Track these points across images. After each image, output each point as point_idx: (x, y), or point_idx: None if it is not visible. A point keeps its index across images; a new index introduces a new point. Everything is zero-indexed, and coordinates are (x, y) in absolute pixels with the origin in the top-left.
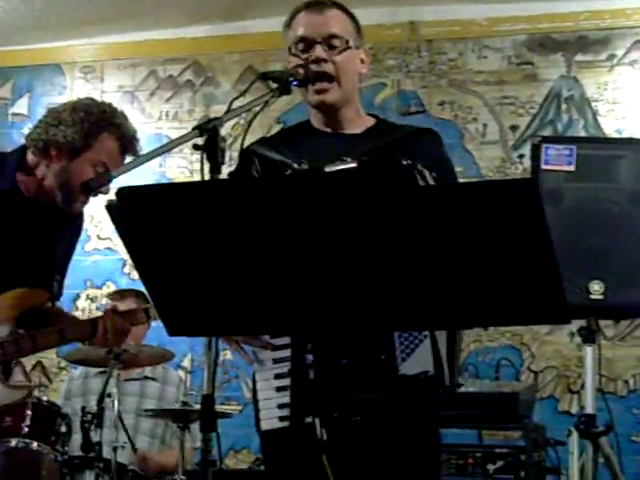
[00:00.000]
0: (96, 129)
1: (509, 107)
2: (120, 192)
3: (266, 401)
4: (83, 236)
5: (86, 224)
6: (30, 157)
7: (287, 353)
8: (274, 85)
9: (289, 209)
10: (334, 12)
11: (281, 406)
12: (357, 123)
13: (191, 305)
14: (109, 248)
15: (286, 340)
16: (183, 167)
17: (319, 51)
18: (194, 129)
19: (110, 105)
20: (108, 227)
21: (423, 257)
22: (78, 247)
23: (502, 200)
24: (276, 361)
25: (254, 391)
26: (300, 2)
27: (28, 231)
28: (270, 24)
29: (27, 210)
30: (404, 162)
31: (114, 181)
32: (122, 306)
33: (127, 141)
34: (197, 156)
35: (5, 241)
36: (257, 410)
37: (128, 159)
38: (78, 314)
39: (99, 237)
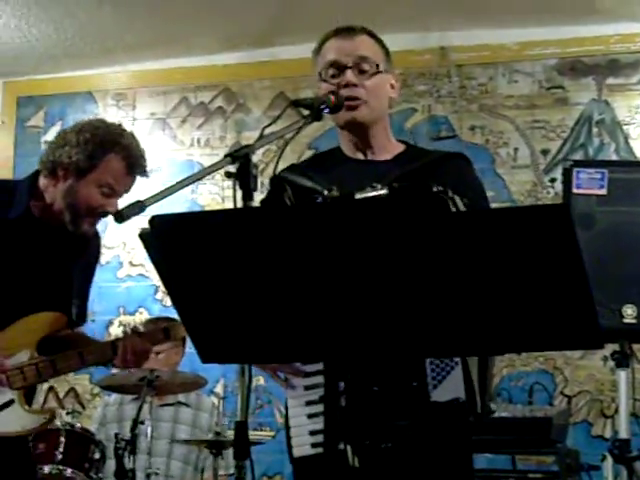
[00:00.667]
0: (101, 150)
1: (540, 131)
2: (153, 220)
3: (298, 428)
4: (115, 263)
5: (119, 250)
6: (41, 181)
7: (318, 380)
8: (305, 112)
9: (321, 236)
10: (363, 37)
11: (313, 433)
12: (387, 149)
13: (224, 332)
14: (142, 274)
15: (317, 367)
16: (215, 194)
17: (350, 76)
18: (226, 157)
19: (119, 126)
20: (140, 254)
21: (456, 283)
22: (110, 274)
23: (534, 226)
24: (307, 388)
25: (286, 417)
26: (329, 29)
27: (43, 256)
28: (300, 50)
29: (41, 235)
30: (435, 188)
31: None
32: None
33: (134, 161)
34: (229, 183)
35: (21, 267)
36: (289, 437)
37: (136, 179)
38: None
39: (131, 264)
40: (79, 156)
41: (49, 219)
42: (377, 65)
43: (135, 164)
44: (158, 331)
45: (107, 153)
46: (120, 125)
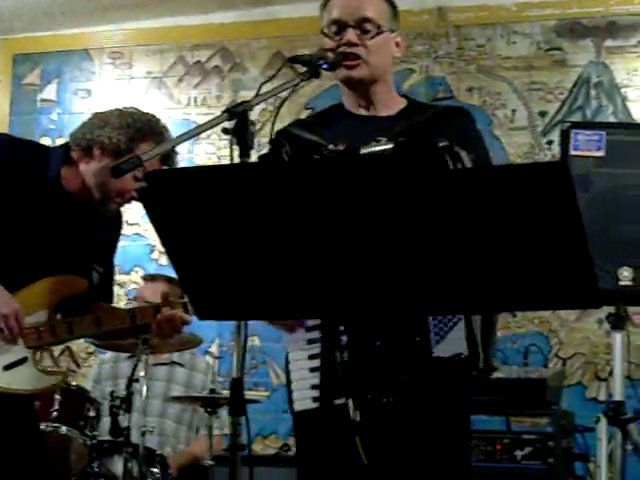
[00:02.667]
0: (141, 135)
1: (538, 93)
2: (150, 176)
3: (300, 382)
4: None
5: None
6: (74, 154)
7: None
8: (303, 69)
9: (324, 191)
10: None
11: (315, 387)
12: (390, 104)
13: (221, 289)
14: (137, 234)
15: (319, 321)
16: (211, 153)
17: (351, 35)
18: (224, 112)
19: (154, 116)
20: (136, 213)
21: (455, 240)
22: None
23: (533, 183)
24: (310, 342)
25: (287, 371)
26: None
27: (69, 222)
28: (298, 10)
29: (68, 203)
30: (441, 143)
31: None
32: (153, 289)
33: (168, 152)
34: (225, 142)
35: (47, 227)
36: (290, 391)
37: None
38: None
39: (127, 223)
40: (120, 137)
41: (77, 191)
42: (379, 26)
43: (169, 155)
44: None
45: (146, 140)
46: (155, 116)
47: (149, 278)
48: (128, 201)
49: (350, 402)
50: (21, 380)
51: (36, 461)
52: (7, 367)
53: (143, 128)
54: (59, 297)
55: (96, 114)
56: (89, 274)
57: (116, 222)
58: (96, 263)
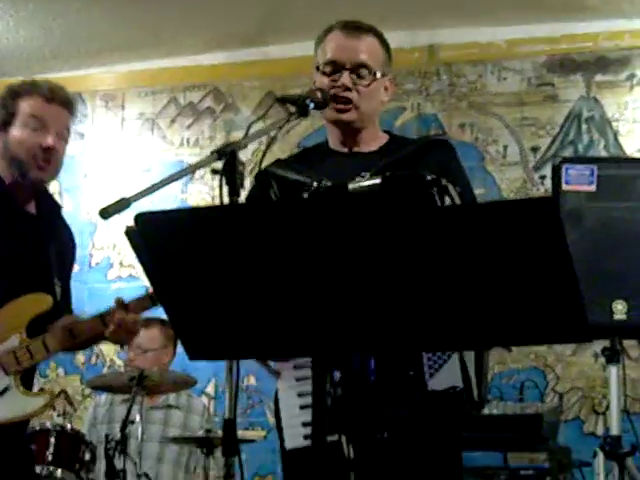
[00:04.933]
0: (12, 97)
1: (529, 128)
2: (138, 217)
3: (290, 419)
4: (105, 264)
5: (109, 252)
6: None
7: (310, 371)
8: (292, 108)
9: (312, 229)
10: (369, 39)
11: (306, 424)
12: (373, 141)
13: (211, 329)
14: (132, 275)
15: (308, 359)
16: (205, 193)
17: (346, 79)
18: (212, 153)
19: (25, 79)
20: (130, 254)
21: (446, 276)
22: (100, 275)
23: (522, 218)
24: (299, 379)
25: (277, 409)
26: (319, 28)
27: (17, 239)
28: (289, 50)
29: (11, 218)
30: (428, 177)
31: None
32: (147, 334)
33: (46, 91)
34: (218, 182)
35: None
36: (280, 429)
37: (64, 110)
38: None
39: (122, 264)
40: None
41: (15, 198)
42: (375, 73)
43: (48, 93)
44: (144, 299)
45: (20, 96)
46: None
47: (143, 324)
48: (44, 159)
49: (344, 438)
50: (9, 408)
51: None
52: None
53: (12, 92)
54: (29, 317)
55: None
56: (52, 289)
57: (66, 234)
58: (56, 277)
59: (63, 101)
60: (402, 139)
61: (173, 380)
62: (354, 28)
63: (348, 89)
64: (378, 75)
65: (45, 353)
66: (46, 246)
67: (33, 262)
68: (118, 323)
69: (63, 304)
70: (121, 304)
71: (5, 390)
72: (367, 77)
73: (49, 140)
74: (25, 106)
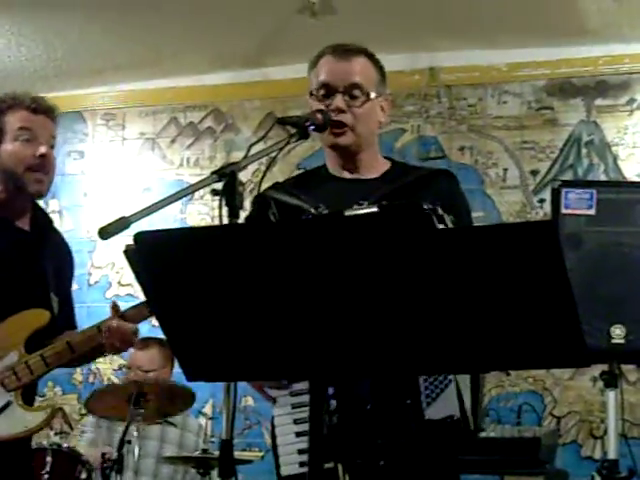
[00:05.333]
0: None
1: (529, 152)
2: (137, 236)
3: (286, 446)
4: (104, 283)
5: (107, 270)
6: None
7: (307, 398)
8: (292, 130)
9: (309, 253)
10: (360, 61)
11: (301, 451)
12: (374, 167)
13: (209, 350)
14: (130, 294)
15: (305, 385)
16: (204, 214)
17: (339, 101)
18: (212, 174)
19: (5, 93)
20: (129, 274)
21: (443, 300)
22: (99, 294)
23: (520, 242)
24: (295, 406)
25: (273, 436)
26: (320, 49)
27: (12, 256)
28: (290, 71)
29: (5, 235)
30: (425, 206)
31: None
32: (146, 355)
33: (29, 103)
34: (218, 202)
35: None
36: (276, 455)
37: (50, 119)
38: (101, 360)
39: (120, 284)
40: None
41: (6, 215)
42: (368, 93)
43: (32, 104)
44: (142, 307)
45: (5, 111)
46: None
47: (141, 345)
48: (40, 170)
49: (340, 466)
50: (11, 424)
51: None
52: None
53: None
54: (26, 334)
55: None
56: (48, 304)
57: (62, 248)
58: (52, 292)
59: (47, 110)
60: (404, 166)
61: (170, 389)
62: (344, 51)
63: (342, 111)
64: (372, 95)
65: (45, 368)
66: (42, 261)
67: (29, 278)
68: (111, 329)
69: (63, 318)
70: (116, 309)
71: (6, 406)
72: (360, 97)
73: (42, 149)
74: (12, 120)
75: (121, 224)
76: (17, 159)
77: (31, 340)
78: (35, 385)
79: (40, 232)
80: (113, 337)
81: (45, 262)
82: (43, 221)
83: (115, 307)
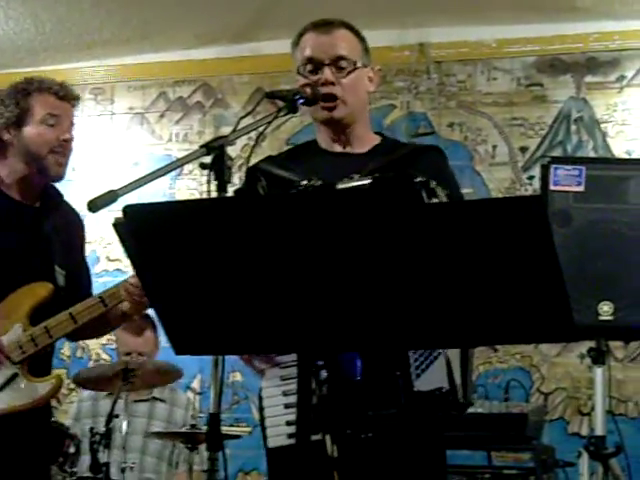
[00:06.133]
0: (23, 95)
1: (518, 128)
2: (126, 209)
3: (274, 418)
4: (92, 257)
5: (95, 245)
6: None
7: (295, 370)
8: (281, 104)
9: (300, 226)
10: (342, 32)
11: (289, 423)
12: (365, 141)
13: (198, 323)
14: (119, 269)
15: (294, 357)
16: (193, 189)
17: (327, 74)
18: (201, 147)
19: (31, 77)
20: (117, 249)
21: (432, 274)
22: None
23: (509, 216)
24: (284, 378)
25: (261, 408)
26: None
27: (18, 231)
28: (280, 46)
29: (12, 211)
30: (418, 179)
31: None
32: (142, 340)
33: (56, 88)
34: (207, 177)
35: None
36: (264, 427)
37: (72, 105)
38: None
39: (108, 259)
40: (9, 109)
41: (15, 195)
42: (354, 62)
43: (59, 90)
44: None
45: (31, 94)
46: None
47: (137, 331)
48: (62, 153)
49: (328, 437)
50: (18, 396)
51: None
52: (0, 389)
53: (22, 89)
54: (29, 307)
55: None
56: (52, 277)
57: (73, 222)
58: (57, 265)
59: (72, 98)
60: (394, 142)
61: (158, 367)
62: (325, 25)
63: (332, 83)
64: (358, 65)
65: (49, 340)
66: (48, 235)
67: (32, 253)
68: (131, 287)
69: (72, 290)
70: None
71: (13, 378)
72: (347, 68)
73: (67, 134)
74: (39, 104)
75: (110, 197)
76: (42, 141)
77: (38, 313)
78: (50, 355)
79: (48, 207)
80: (134, 294)
81: (51, 236)
82: (53, 196)
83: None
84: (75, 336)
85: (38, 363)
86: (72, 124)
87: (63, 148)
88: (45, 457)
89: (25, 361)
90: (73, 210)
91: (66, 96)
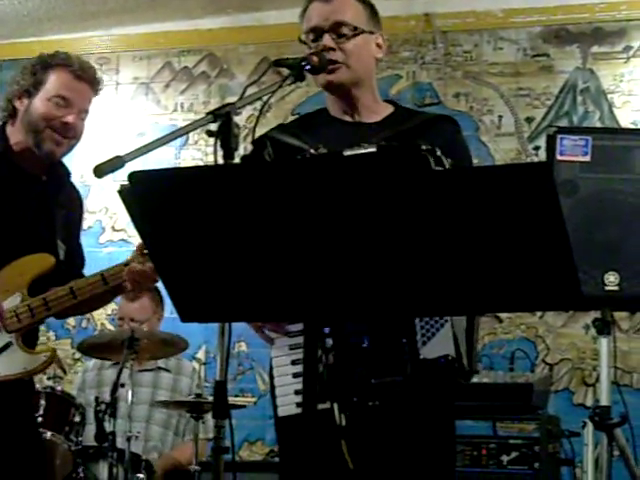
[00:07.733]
0: (42, 67)
1: (524, 99)
2: (132, 176)
3: (283, 387)
4: (97, 228)
5: (101, 215)
6: (8, 129)
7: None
8: (287, 73)
9: (306, 192)
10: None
11: (298, 392)
12: (375, 110)
13: (204, 290)
14: (123, 240)
15: (302, 326)
16: (198, 159)
17: (327, 40)
18: (208, 114)
19: (58, 51)
20: (123, 218)
21: (439, 241)
22: (92, 239)
23: (517, 183)
24: (292, 347)
25: (271, 377)
26: None
27: (23, 200)
28: (285, 15)
29: (19, 180)
30: (424, 147)
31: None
32: (138, 306)
33: (76, 67)
34: (212, 148)
35: (3, 211)
36: (274, 396)
37: (90, 89)
38: None
39: (113, 229)
40: (25, 78)
41: (23, 165)
42: (355, 27)
43: (79, 70)
44: None
45: (50, 68)
46: (59, 51)
47: (132, 296)
48: (62, 134)
49: (335, 406)
50: (10, 365)
51: (34, 459)
52: None
53: (44, 62)
54: (30, 277)
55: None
56: (54, 250)
57: (75, 201)
58: (59, 239)
59: (91, 80)
60: (407, 111)
61: (163, 338)
62: None
63: (332, 49)
64: (362, 28)
65: (47, 312)
66: (52, 209)
67: (37, 224)
68: (138, 273)
69: (69, 266)
70: (141, 249)
71: (6, 347)
72: (348, 34)
73: (70, 117)
74: (54, 78)
75: (116, 162)
76: (43, 115)
77: (36, 285)
78: (37, 330)
79: (55, 182)
80: (136, 275)
81: (55, 210)
82: (60, 172)
83: (141, 247)
84: (63, 314)
85: (28, 335)
86: (85, 111)
87: (63, 129)
88: (32, 420)
89: (20, 331)
90: (76, 189)
91: (84, 77)
